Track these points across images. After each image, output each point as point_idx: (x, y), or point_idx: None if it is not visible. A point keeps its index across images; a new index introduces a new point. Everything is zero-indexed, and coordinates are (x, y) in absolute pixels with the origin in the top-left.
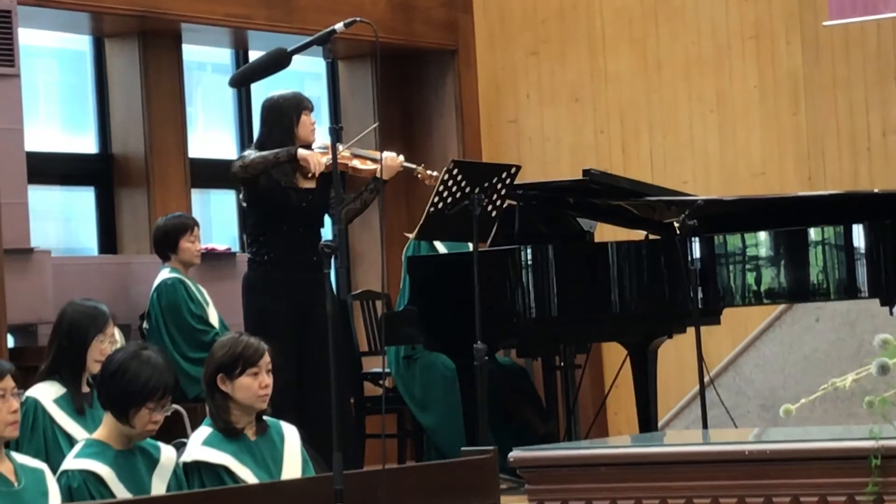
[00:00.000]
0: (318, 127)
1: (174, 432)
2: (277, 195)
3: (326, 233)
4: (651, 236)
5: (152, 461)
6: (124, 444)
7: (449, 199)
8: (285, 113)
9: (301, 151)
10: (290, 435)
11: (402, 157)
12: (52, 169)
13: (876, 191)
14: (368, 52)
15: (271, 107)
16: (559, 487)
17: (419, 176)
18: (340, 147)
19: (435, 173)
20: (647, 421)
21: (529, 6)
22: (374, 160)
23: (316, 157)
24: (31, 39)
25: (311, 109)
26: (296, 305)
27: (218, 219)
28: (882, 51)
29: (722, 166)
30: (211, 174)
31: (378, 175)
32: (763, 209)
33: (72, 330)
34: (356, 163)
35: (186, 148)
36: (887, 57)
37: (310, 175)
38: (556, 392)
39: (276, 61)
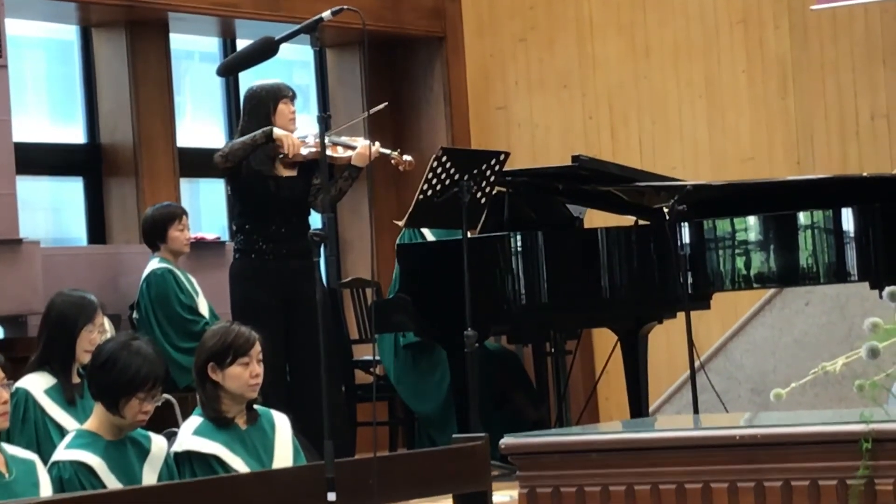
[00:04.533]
0: (305, 115)
1: (165, 422)
2: (258, 185)
3: (315, 220)
4: (640, 222)
5: (143, 451)
6: (115, 435)
7: (438, 187)
8: (263, 102)
9: (276, 131)
10: (281, 424)
11: (377, 144)
12: (41, 159)
13: (865, 174)
14: (356, 39)
15: (250, 96)
16: (550, 474)
17: (394, 161)
18: (315, 134)
19: (409, 158)
20: (638, 406)
21: None
22: (350, 147)
23: (292, 138)
24: (18, 30)
25: (291, 98)
26: (283, 294)
27: (207, 208)
28: (870, 35)
29: (711, 151)
30: (200, 163)
31: (352, 162)
32: (752, 194)
33: (60, 320)
34: (331, 152)
35: (175, 137)
36: (875, 41)
37: (282, 156)
38: (546, 378)
39: (264, 50)
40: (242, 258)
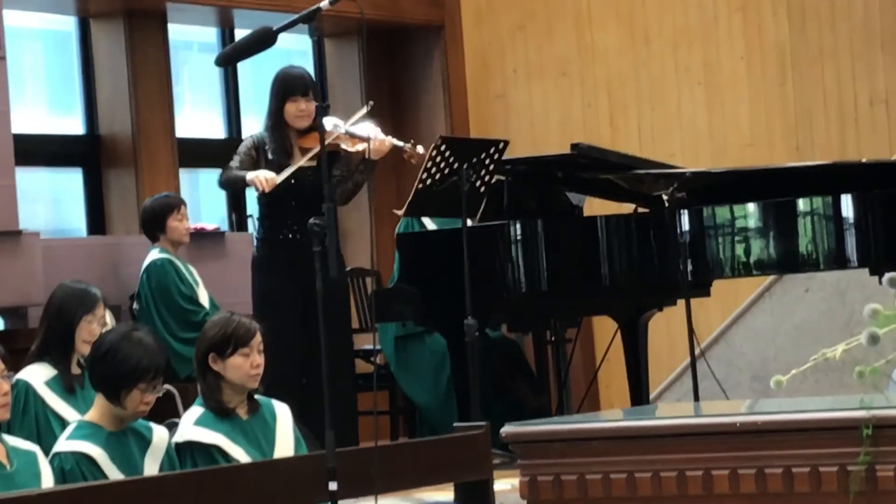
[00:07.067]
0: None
1: (166, 412)
2: None
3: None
4: (640, 209)
5: (145, 442)
6: (116, 426)
7: (437, 176)
8: (274, 94)
9: (249, 176)
10: (282, 413)
11: (390, 138)
12: (40, 150)
13: (864, 160)
14: (355, 29)
15: (271, 83)
16: (551, 462)
17: (406, 155)
18: (332, 125)
19: (422, 150)
20: (639, 394)
21: None
22: (364, 139)
23: (261, 177)
24: (17, 21)
25: (302, 95)
26: (304, 284)
27: (206, 198)
28: (868, 20)
29: (710, 138)
30: (199, 154)
31: (368, 156)
32: (751, 180)
33: (60, 310)
34: (346, 144)
35: (174, 127)
36: (873, 26)
37: (260, 190)
38: (547, 366)
39: (263, 40)
40: (263, 248)
